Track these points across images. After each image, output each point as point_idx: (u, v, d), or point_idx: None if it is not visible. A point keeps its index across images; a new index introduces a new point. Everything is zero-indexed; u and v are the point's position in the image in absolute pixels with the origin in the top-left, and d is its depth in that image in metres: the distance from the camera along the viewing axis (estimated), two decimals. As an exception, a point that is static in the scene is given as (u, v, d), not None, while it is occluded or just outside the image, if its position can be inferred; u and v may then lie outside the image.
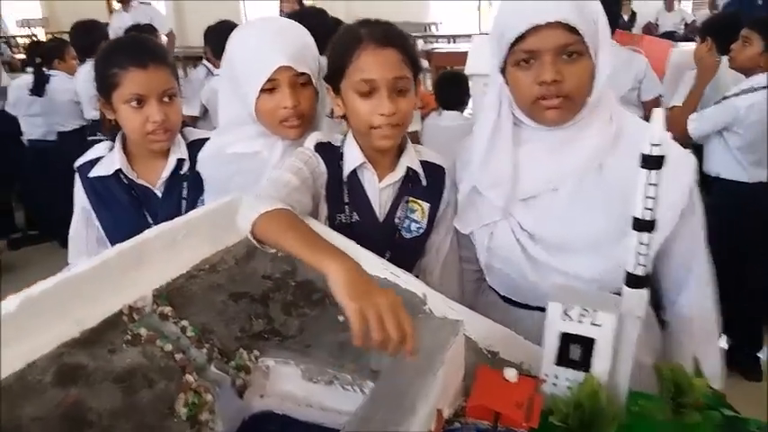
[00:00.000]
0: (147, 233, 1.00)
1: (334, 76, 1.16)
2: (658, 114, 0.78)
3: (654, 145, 0.77)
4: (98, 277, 0.90)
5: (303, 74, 1.23)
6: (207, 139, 1.41)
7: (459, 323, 0.92)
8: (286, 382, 0.97)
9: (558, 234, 1.10)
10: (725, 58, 2.54)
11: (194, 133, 1.48)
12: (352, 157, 1.19)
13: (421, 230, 1.22)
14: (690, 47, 3.02)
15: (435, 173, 1.24)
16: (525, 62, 1.06)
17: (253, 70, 1.21)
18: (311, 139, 1.21)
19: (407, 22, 7.57)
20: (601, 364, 0.92)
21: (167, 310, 0.95)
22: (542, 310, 1.18)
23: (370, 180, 1.20)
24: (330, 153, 1.20)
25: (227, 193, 1.27)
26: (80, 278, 0.87)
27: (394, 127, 1.13)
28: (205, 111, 3.22)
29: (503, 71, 1.12)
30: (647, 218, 0.82)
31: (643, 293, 0.88)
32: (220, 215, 1.13)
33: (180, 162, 1.43)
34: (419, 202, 1.22)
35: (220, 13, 4.08)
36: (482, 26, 9.45)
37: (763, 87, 2.26)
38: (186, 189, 1.43)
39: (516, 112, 1.14)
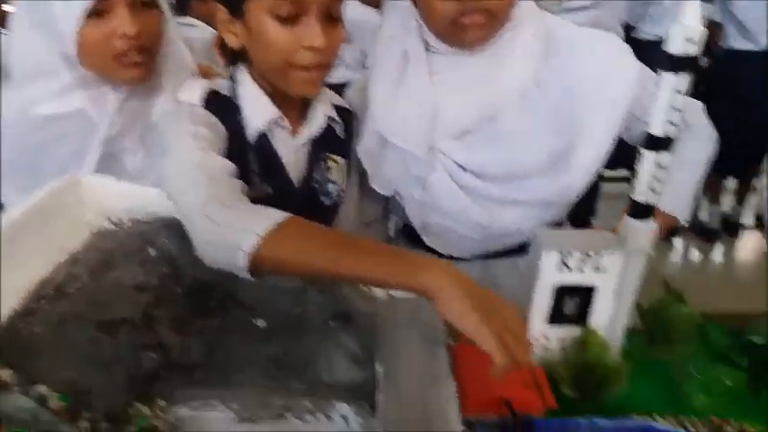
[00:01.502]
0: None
1: None
2: (694, 6, 0.61)
3: (689, 40, 0.61)
4: None
5: None
6: None
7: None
8: (213, 433, 0.68)
9: (507, 162, 0.92)
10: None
11: None
12: (260, 109, 0.87)
13: (339, 193, 0.96)
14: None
15: (346, 117, 0.97)
16: None
17: None
18: (195, 89, 0.86)
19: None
20: (602, 314, 0.77)
21: (5, 374, 0.59)
22: (489, 257, 1.02)
23: (282, 139, 0.90)
24: (222, 106, 0.86)
25: (39, 173, 0.89)
26: None
27: (322, 68, 0.83)
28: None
29: None
30: (668, 134, 0.66)
31: (652, 225, 0.73)
32: (53, 209, 0.76)
33: None
34: (335, 157, 0.95)
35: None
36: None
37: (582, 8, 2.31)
38: None
39: (429, 37, 0.92)
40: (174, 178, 0.76)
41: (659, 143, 0.66)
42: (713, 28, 2.99)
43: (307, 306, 0.80)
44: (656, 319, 0.84)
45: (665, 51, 0.62)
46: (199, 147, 0.76)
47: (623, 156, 1.01)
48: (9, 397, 0.57)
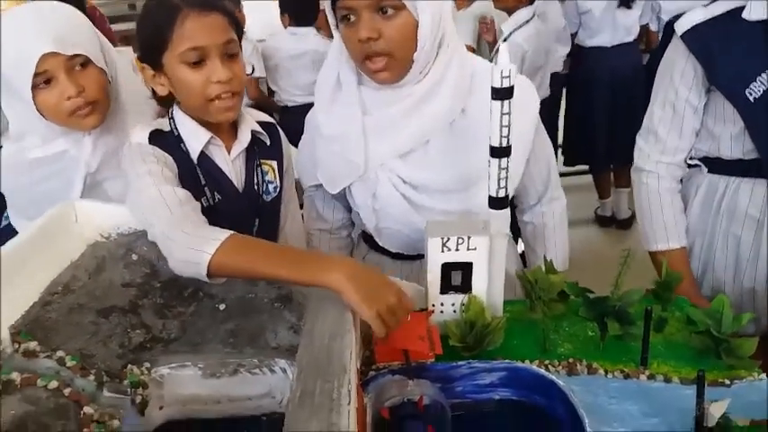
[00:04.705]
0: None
1: (153, 52, 1.05)
2: (504, 49, 0.86)
3: (504, 77, 0.85)
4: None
5: (77, 56, 1.11)
6: None
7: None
8: (186, 386, 0.91)
9: (437, 180, 1.15)
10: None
11: None
12: (196, 136, 1.10)
13: (278, 189, 1.21)
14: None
15: (271, 130, 1.22)
16: (347, 19, 1.07)
17: (16, 65, 1.07)
18: (140, 133, 1.09)
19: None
20: (480, 283, 1.01)
21: (33, 345, 0.83)
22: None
23: (220, 155, 1.13)
24: (166, 140, 1.09)
25: (37, 204, 1.12)
26: None
27: (234, 95, 1.06)
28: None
29: (338, 27, 1.12)
30: (504, 145, 0.90)
31: (506, 213, 0.98)
32: (54, 229, 0.99)
33: None
34: (268, 162, 1.19)
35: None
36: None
37: (527, 21, 2.58)
38: None
39: (359, 67, 1.13)
40: (140, 212, 1.01)
41: (500, 152, 0.90)
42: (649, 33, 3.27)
43: (257, 293, 1.04)
44: (531, 286, 1.08)
45: (491, 85, 0.87)
46: (154, 183, 0.99)
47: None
48: (37, 360, 0.81)
